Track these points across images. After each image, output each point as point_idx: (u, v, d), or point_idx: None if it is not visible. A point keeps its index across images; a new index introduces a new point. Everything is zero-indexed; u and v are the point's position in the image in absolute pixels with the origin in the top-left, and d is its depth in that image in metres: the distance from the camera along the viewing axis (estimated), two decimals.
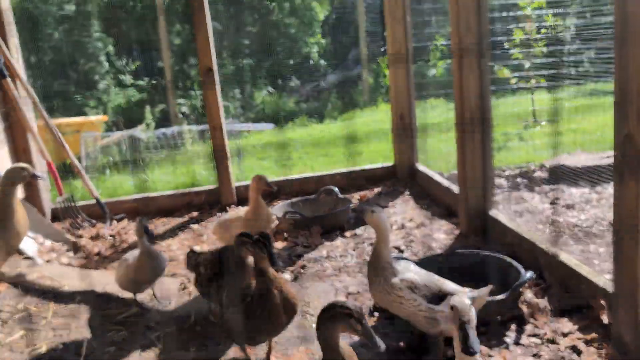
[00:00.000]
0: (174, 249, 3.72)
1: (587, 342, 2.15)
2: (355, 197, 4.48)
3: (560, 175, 4.28)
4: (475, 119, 3.10)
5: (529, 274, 2.38)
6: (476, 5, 3.02)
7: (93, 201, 4.26)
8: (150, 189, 5.29)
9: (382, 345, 1.56)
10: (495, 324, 2.32)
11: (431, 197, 4.21)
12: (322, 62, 12.91)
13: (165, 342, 2.43)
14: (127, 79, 11.08)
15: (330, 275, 3.10)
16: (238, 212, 3.21)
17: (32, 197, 4.21)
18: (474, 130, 3.16)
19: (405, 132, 4.73)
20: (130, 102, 10.65)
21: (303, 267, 3.24)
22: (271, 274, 2.02)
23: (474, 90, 3.12)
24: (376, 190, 4.66)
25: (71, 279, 3.05)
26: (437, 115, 6.06)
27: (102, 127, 6.14)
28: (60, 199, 4.20)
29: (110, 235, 4.01)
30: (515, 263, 2.54)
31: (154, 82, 10.85)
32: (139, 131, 6.88)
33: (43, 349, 2.41)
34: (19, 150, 4.16)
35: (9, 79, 3.93)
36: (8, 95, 3.96)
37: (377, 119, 8.24)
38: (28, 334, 2.48)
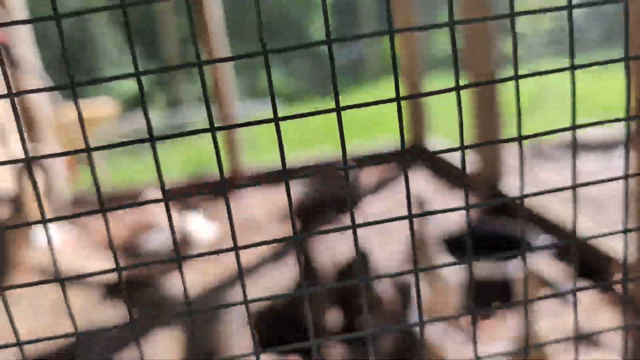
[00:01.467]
0: None
1: (603, 305, 2.20)
2: (365, 175, 4.52)
3: (570, 147, 4.27)
4: (488, 94, 3.11)
5: (542, 241, 2.42)
6: None
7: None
8: (164, 174, 5.34)
9: None
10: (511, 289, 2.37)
11: (443, 172, 4.24)
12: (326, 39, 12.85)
13: None
14: (134, 65, 11.09)
15: None
16: None
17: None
18: (487, 104, 3.17)
19: (415, 106, 4.73)
20: (136, 89, 10.69)
21: None
22: None
23: (485, 66, 3.12)
24: (387, 166, 4.69)
25: None
26: (451, 84, 6.04)
27: (113, 116, 6.19)
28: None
29: None
30: (527, 233, 2.58)
31: (161, 67, 10.85)
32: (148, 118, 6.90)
33: None
34: (34, 141, 4.22)
35: (20, 69, 3.97)
36: (19, 84, 4.01)
37: (386, 95, 8.26)
38: None
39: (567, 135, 4.55)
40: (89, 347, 2.46)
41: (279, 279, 2.75)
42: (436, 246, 1.82)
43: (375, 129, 6.13)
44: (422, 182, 4.21)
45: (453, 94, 5.50)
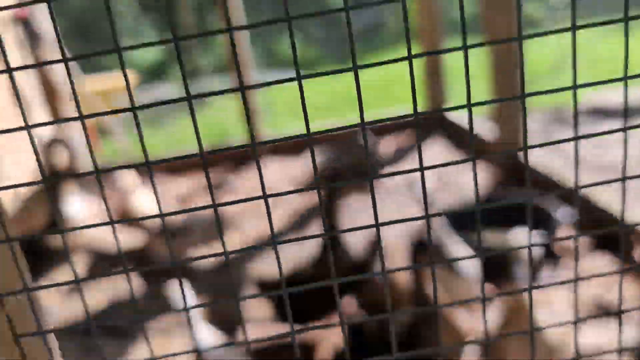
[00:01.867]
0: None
1: (621, 277, 2.19)
2: (383, 143, 4.51)
3: (592, 113, 4.21)
4: (507, 60, 3.06)
5: (562, 213, 2.41)
6: None
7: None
8: (183, 145, 5.40)
9: None
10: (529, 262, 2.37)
11: (462, 141, 4.21)
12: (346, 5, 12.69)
13: None
14: (150, 35, 11.11)
15: None
16: None
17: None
18: (506, 71, 3.12)
19: (434, 74, 4.68)
20: (154, 61, 10.71)
21: None
22: None
23: (505, 30, 3.06)
24: (404, 135, 4.67)
25: None
26: (470, 53, 5.95)
27: (131, 86, 6.23)
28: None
29: None
30: (547, 203, 2.56)
31: (177, 37, 10.82)
32: (165, 88, 6.95)
33: None
34: (56, 116, 4.28)
35: (42, 45, 4.00)
36: (41, 59, 4.04)
37: (404, 63, 8.14)
38: None
39: (590, 100, 4.47)
40: (116, 314, 2.54)
41: (303, 246, 2.79)
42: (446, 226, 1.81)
43: (394, 98, 6.08)
44: (441, 151, 4.19)
45: (473, 58, 5.41)
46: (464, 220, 2.50)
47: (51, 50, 4.10)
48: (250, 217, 3.45)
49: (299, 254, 2.71)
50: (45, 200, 3.03)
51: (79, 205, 3.53)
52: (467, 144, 4.11)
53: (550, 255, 2.42)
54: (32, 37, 3.92)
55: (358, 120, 4.88)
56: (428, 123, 4.74)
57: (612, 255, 2.36)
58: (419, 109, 4.89)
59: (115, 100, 6.03)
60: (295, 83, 8.77)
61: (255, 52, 12.07)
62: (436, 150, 4.22)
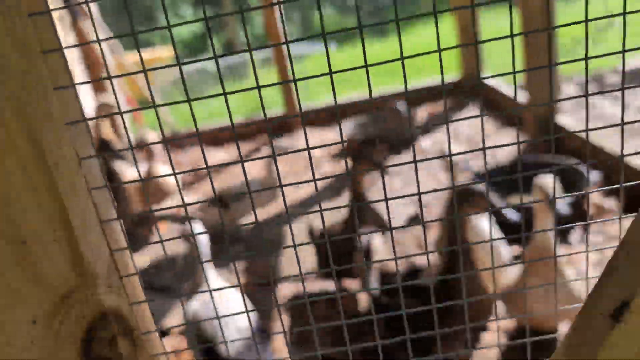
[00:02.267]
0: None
1: None
2: (420, 113, 4.52)
3: (633, 78, 4.11)
4: (540, 24, 3.02)
5: (595, 175, 2.42)
6: None
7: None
8: (222, 117, 5.53)
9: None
10: (560, 224, 2.40)
11: (498, 109, 4.19)
12: None
13: None
14: (187, 11, 11.24)
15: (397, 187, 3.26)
16: None
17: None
18: (538, 36, 3.09)
19: (469, 42, 4.63)
20: (192, 34, 10.85)
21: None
22: None
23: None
24: (439, 101, 4.67)
25: None
26: (503, 23, 5.85)
27: (171, 61, 6.39)
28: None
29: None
30: (581, 166, 2.57)
31: (213, 11, 10.93)
32: (205, 63, 7.07)
33: None
34: (99, 87, 4.45)
35: (82, 19, 4.15)
36: (83, 36, 4.20)
37: (442, 32, 8.01)
38: None
39: (628, 65, 4.36)
40: (162, 274, 2.70)
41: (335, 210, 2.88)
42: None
43: (430, 67, 6.04)
44: (476, 118, 4.18)
45: (506, 32, 5.30)
46: (497, 184, 2.54)
47: (89, 23, 4.24)
48: (293, 181, 3.56)
49: (335, 213, 2.80)
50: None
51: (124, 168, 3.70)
52: (503, 110, 4.09)
53: (581, 215, 2.44)
54: (72, 11, 4.06)
55: (389, 90, 4.88)
56: (464, 90, 4.72)
57: None
58: (454, 77, 4.86)
59: (155, 73, 6.20)
60: (331, 53, 8.76)
61: (292, 23, 12.08)
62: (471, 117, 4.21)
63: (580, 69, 4.75)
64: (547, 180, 1.60)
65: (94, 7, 4.32)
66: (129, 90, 4.90)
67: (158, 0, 10.69)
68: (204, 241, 1.80)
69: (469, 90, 4.70)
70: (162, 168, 3.09)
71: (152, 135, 3.48)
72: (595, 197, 2.50)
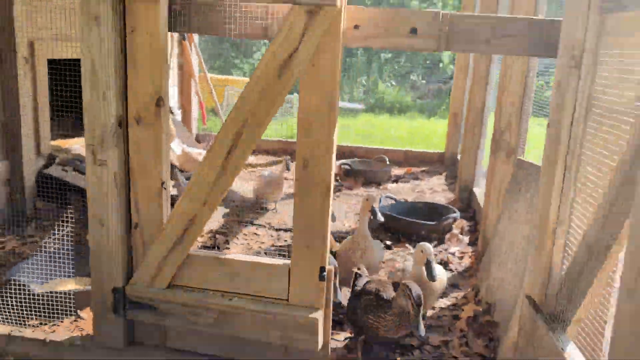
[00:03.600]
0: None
1: (470, 257, 3.58)
2: (404, 169, 6.00)
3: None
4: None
5: (455, 215, 3.83)
6: None
7: None
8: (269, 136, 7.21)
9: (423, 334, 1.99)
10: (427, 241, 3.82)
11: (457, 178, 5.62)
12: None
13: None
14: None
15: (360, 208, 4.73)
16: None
17: (185, 122, 6.27)
18: (471, 130, 4.56)
19: (455, 127, 6.11)
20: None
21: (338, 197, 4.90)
22: None
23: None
24: (422, 168, 6.14)
25: None
26: None
27: (243, 86, 8.17)
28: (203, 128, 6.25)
29: None
30: (455, 211, 3.98)
31: None
32: None
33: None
34: (183, 91, 6.22)
35: (185, 41, 5.96)
36: (184, 52, 6.01)
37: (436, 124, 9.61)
38: None
39: None
40: None
41: None
42: None
43: (423, 142, 7.54)
44: (439, 179, 5.63)
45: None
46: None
47: (190, 44, 6.04)
48: None
49: None
50: None
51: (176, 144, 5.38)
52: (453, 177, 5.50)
53: (442, 241, 3.84)
54: (181, 33, 5.88)
55: (393, 147, 6.40)
56: (445, 163, 6.18)
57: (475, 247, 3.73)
58: (441, 151, 6.34)
59: (228, 94, 8.01)
60: (361, 114, 10.40)
61: (358, 88, 13.86)
62: (437, 180, 5.65)
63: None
64: (428, 246, 2.84)
65: (194, 35, 6.16)
66: (204, 99, 6.66)
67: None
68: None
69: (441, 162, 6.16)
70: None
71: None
72: (455, 231, 3.90)
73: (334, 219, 3.44)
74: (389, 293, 2.15)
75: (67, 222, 3.79)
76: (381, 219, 2.79)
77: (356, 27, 1.88)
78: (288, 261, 2.00)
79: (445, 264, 3.48)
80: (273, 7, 1.88)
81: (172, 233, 1.99)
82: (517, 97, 3.14)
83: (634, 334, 1.15)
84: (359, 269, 2.47)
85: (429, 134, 8.77)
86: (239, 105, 1.90)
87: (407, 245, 3.72)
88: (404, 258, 3.12)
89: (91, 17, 1.86)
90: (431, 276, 2.29)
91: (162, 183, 1.99)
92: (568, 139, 1.72)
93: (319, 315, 1.95)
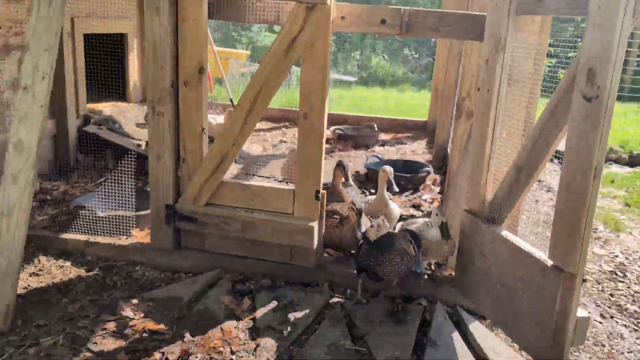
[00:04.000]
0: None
1: (438, 202, 4.36)
2: (390, 135, 6.76)
3: None
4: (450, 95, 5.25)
5: (428, 169, 4.62)
6: None
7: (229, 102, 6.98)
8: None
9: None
10: (404, 190, 4.60)
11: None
12: None
13: None
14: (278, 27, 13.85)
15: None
16: None
17: None
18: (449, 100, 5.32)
19: (437, 98, 6.86)
20: (263, 47, 13.43)
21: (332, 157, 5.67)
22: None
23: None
24: (406, 134, 6.91)
25: None
26: None
27: (245, 59, 8.83)
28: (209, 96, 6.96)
29: None
30: (429, 166, 4.76)
31: None
32: None
33: None
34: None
35: None
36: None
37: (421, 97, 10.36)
38: None
39: None
40: None
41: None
42: None
43: (407, 111, 8.30)
44: (420, 144, 6.41)
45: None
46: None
47: None
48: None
49: None
50: None
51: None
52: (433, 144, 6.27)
53: (416, 190, 4.62)
54: None
55: (381, 115, 7.16)
56: (427, 129, 6.94)
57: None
58: (424, 119, 7.11)
59: (231, 65, 8.70)
60: (354, 87, 11.13)
61: (351, 61, 14.52)
62: (419, 145, 6.42)
63: None
64: (389, 169, 3.70)
65: None
66: (211, 69, 7.36)
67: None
68: None
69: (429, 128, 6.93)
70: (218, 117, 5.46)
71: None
72: (428, 183, 4.70)
73: (346, 176, 3.85)
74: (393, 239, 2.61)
75: (105, 170, 4.55)
76: (396, 189, 3.43)
77: (342, 18, 2.64)
78: (292, 186, 2.78)
79: (418, 206, 4.28)
80: (282, 4, 2.64)
81: (210, 165, 2.77)
82: (475, 70, 3.89)
83: (568, 209, 1.93)
84: (382, 220, 2.93)
85: (417, 105, 9.53)
86: (256, 76, 2.66)
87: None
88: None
89: (154, 8, 2.60)
90: (392, 189, 3.12)
91: (202, 129, 2.76)
92: (497, 98, 2.49)
93: (315, 224, 2.74)
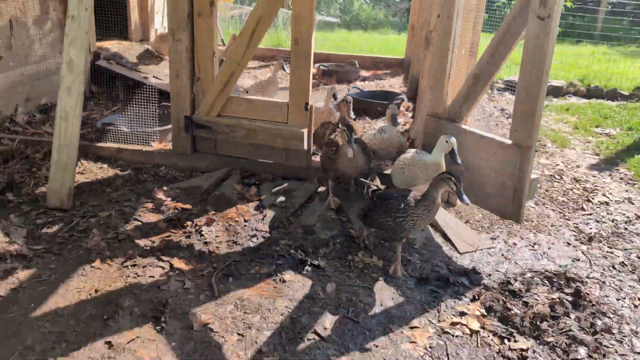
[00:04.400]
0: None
1: (409, 124, 5.04)
2: (370, 72, 7.37)
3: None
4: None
5: (402, 96, 5.28)
6: None
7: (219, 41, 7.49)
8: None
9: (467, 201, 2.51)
10: (381, 115, 5.26)
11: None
12: None
13: None
14: None
15: None
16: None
17: None
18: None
19: (413, 37, 7.44)
20: None
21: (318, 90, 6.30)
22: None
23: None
24: (385, 70, 7.52)
25: None
26: None
27: (232, 1, 9.30)
28: None
29: None
30: (403, 95, 5.42)
31: None
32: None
33: None
34: None
35: None
36: None
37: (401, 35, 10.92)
38: None
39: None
40: None
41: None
42: None
43: (388, 50, 8.89)
44: (398, 79, 7.04)
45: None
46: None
47: None
48: None
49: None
50: None
51: None
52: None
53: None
54: None
55: (363, 54, 7.73)
56: (404, 66, 7.55)
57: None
58: (402, 57, 7.71)
59: (220, 7, 9.15)
60: (337, 30, 11.60)
61: (334, 4, 14.84)
62: (396, 79, 7.05)
63: None
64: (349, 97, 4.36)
65: None
66: None
67: None
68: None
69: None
70: None
71: None
72: (402, 109, 5.36)
73: (335, 97, 4.51)
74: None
75: (117, 99, 5.15)
76: (398, 124, 4.09)
77: None
78: (287, 100, 3.44)
79: None
80: None
81: (220, 83, 3.40)
82: (440, 6, 4.49)
83: (526, 100, 2.64)
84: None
85: (397, 46, 10.08)
86: (256, 9, 3.26)
87: (366, 118, 5.19)
88: (362, 126, 4.60)
89: None
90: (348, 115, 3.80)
91: (213, 53, 3.38)
92: (455, 23, 3.12)
93: (304, 130, 3.41)
